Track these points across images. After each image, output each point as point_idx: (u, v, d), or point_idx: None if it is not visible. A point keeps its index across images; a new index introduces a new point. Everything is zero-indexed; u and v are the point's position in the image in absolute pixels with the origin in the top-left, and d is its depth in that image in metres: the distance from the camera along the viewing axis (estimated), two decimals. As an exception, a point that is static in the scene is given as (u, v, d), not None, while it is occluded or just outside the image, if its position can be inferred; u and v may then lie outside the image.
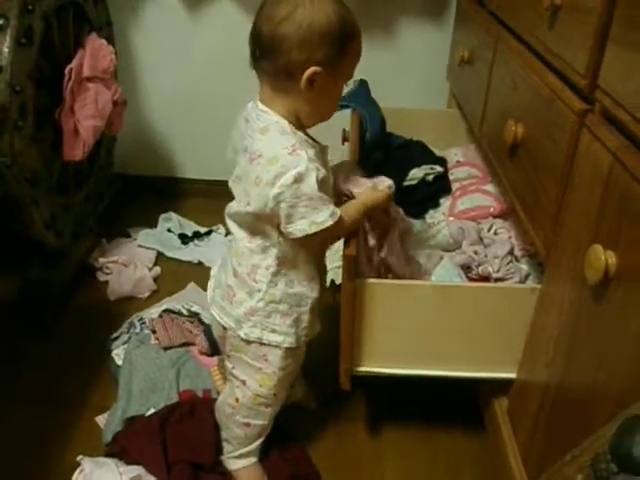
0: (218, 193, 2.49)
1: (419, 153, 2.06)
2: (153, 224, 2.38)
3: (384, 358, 1.42)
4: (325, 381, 1.58)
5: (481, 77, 1.75)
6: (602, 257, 0.93)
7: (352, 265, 1.25)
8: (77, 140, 1.93)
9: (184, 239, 2.31)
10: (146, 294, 2.06)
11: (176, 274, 2.17)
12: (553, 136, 1.20)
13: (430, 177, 1.98)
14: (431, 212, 1.96)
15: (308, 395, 1.66)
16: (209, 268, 2.18)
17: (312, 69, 1.14)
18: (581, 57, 1.11)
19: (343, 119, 2.14)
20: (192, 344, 1.73)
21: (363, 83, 2.20)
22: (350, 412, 1.70)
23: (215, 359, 1.69)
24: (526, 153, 1.34)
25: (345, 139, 2.12)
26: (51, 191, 1.91)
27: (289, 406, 1.54)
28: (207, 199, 2.46)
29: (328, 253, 2.27)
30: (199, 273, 2.12)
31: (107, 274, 2.12)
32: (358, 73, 2.19)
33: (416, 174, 1.97)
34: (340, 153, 1.96)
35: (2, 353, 1.82)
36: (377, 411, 1.71)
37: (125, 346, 1.74)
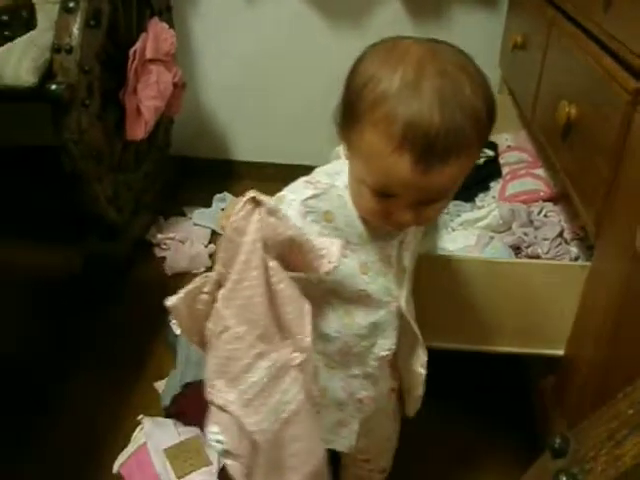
0: (270, 175, 2.58)
1: (470, 137, 2.08)
2: (208, 204, 2.46)
3: (432, 332, 1.46)
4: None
5: (534, 61, 1.78)
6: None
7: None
8: (139, 120, 2.01)
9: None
10: (201, 270, 2.13)
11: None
12: (606, 115, 1.22)
13: (481, 160, 2.01)
14: (481, 195, 1.98)
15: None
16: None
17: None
18: (637, 37, 1.13)
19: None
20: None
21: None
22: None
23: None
24: (578, 133, 1.37)
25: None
26: (113, 169, 1.99)
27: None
28: (259, 181, 2.51)
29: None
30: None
31: (164, 250, 2.20)
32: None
33: (467, 157, 1.99)
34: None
35: (66, 322, 1.91)
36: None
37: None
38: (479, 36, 2.41)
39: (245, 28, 2.48)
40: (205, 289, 0.72)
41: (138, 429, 1.50)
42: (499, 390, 1.73)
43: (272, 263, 0.71)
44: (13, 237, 2.13)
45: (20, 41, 1.66)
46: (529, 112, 1.82)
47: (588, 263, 1.33)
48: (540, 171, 1.96)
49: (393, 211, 0.85)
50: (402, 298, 1.04)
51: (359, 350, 1.03)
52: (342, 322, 0.99)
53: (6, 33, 1.68)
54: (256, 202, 0.70)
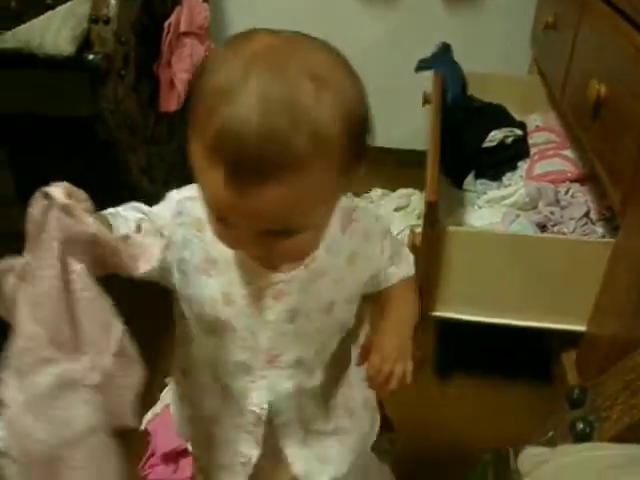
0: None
1: (499, 116, 2.09)
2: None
3: (458, 304, 1.49)
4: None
5: (565, 41, 1.78)
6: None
7: (433, 211, 1.32)
8: (172, 92, 2.05)
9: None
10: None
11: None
12: (636, 94, 1.23)
13: (509, 140, 2.02)
14: (508, 174, 2.00)
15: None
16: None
17: None
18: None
19: (424, 82, 2.19)
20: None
21: (446, 47, 2.25)
22: (418, 358, 1.77)
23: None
24: (608, 113, 1.37)
25: (426, 101, 2.18)
26: (147, 140, 2.03)
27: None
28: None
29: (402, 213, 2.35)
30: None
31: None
32: (442, 37, 2.25)
33: (495, 136, 2.00)
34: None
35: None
36: (445, 358, 1.78)
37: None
38: (511, 16, 2.41)
39: (277, 2, 2.50)
40: (10, 276, 0.62)
41: (165, 390, 1.54)
42: (520, 362, 1.75)
43: (78, 267, 0.62)
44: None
45: (60, 10, 1.71)
46: (559, 92, 1.83)
47: (612, 240, 1.35)
48: (568, 152, 1.97)
49: (239, 241, 0.69)
50: (278, 376, 0.87)
51: (236, 392, 0.89)
52: (212, 352, 0.86)
53: (48, 2, 1.73)
54: (49, 198, 0.60)
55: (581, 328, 1.45)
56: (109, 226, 0.69)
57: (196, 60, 2.07)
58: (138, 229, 0.73)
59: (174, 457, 1.44)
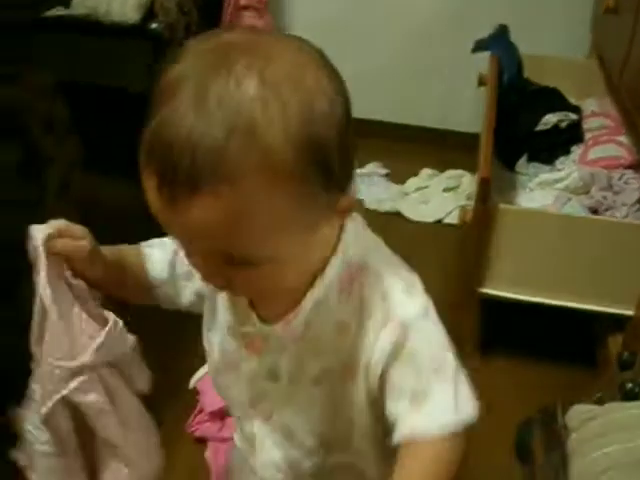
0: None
1: (554, 100, 2.09)
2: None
3: (505, 283, 1.50)
4: (441, 306, 1.67)
5: (626, 25, 1.76)
6: None
7: (485, 188, 1.33)
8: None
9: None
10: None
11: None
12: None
13: (564, 124, 2.01)
14: (561, 159, 1.99)
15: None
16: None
17: None
18: None
19: (479, 63, 2.19)
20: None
21: (503, 28, 2.24)
22: (462, 335, 1.79)
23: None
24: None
25: (481, 82, 2.18)
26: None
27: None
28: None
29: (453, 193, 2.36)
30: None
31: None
32: (500, 19, 2.24)
33: (550, 119, 2.00)
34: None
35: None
36: (488, 335, 1.79)
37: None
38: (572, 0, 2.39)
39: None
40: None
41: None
42: (565, 345, 1.76)
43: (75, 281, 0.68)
44: (99, 173, 2.22)
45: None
46: (617, 77, 1.81)
47: (666, 224, 1.35)
48: (622, 138, 1.95)
49: (199, 268, 0.63)
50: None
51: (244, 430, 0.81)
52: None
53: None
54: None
55: (629, 312, 1.45)
56: (143, 268, 0.76)
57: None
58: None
59: (221, 415, 1.49)
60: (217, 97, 0.52)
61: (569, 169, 1.86)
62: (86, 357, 0.65)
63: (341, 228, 0.66)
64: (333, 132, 0.56)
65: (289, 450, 0.76)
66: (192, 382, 1.56)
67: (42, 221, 0.66)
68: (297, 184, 0.54)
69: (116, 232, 2.17)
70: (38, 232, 0.65)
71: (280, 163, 0.53)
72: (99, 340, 0.66)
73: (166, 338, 1.71)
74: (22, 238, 0.65)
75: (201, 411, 1.52)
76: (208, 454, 1.48)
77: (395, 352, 0.64)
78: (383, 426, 0.68)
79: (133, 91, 2.15)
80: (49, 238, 0.65)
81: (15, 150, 1.48)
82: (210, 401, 1.49)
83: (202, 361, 1.59)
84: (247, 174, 0.52)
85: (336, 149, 0.56)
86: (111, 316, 0.68)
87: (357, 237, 0.67)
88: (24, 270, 0.66)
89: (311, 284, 0.65)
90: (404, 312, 0.64)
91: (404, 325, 0.64)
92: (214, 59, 0.54)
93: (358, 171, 2.42)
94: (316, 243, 0.62)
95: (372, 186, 2.37)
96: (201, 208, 0.52)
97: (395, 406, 0.64)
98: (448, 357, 0.65)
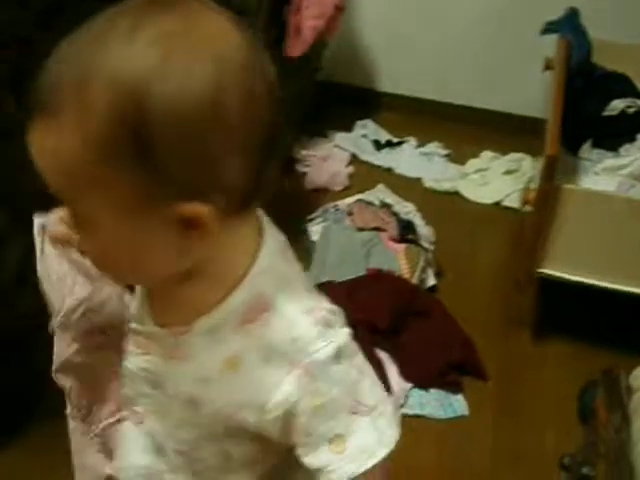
0: (414, 109, 2.65)
1: (622, 85, 2.06)
2: (349, 129, 2.55)
3: (566, 264, 1.51)
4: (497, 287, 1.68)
5: None
6: None
7: (551, 165, 1.34)
8: (298, 38, 2.12)
9: (378, 145, 2.47)
10: (339, 188, 2.25)
11: (367, 175, 2.34)
12: None
13: (631, 110, 1.99)
14: (626, 146, 1.97)
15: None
16: (398, 175, 2.35)
17: None
18: None
19: (545, 48, 2.18)
20: (383, 230, 1.91)
21: (574, 11, 2.22)
22: (517, 316, 1.80)
23: (402, 246, 1.85)
24: None
25: (547, 66, 2.16)
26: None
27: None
28: (403, 114, 2.59)
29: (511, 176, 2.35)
30: (388, 177, 2.29)
31: (306, 166, 2.32)
32: (571, 1, 2.22)
33: (617, 105, 1.98)
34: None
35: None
36: (544, 318, 1.80)
37: (319, 226, 1.95)
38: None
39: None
40: None
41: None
42: (622, 327, 1.75)
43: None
44: None
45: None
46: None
47: None
48: (691, 127, 1.93)
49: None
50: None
51: None
52: None
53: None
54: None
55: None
56: None
57: (325, 8, 2.13)
58: None
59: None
60: (87, 34, 0.52)
61: (634, 156, 1.85)
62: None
63: (253, 255, 0.61)
64: (172, 130, 0.51)
65: (155, 461, 0.74)
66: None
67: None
68: (106, 154, 0.51)
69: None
70: (39, 220, 0.76)
71: (95, 126, 0.50)
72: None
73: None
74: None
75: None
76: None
77: (303, 400, 0.60)
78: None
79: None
80: (49, 225, 0.74)
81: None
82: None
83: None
84: (68, 120, 0.51)
85: (176, 147, 0.51)
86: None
87: (272, 265, 0.62)
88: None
89: (210, 306, 0.61)
90: (313, 358, 0.59)
91: (313, 374, 0.59)
92: (136, 7, 0.53)
93: (418, 150, 2.45)
94: (172, 247, 0.56)
95: (432, 165, 2.39)
96: (34, 136, 0.54)
97: (314, 455, 0.62)
98: (363, 392, 0.62)
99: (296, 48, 2.11)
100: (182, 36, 0.52)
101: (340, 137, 2.50)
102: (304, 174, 2.31)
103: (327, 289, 1.70)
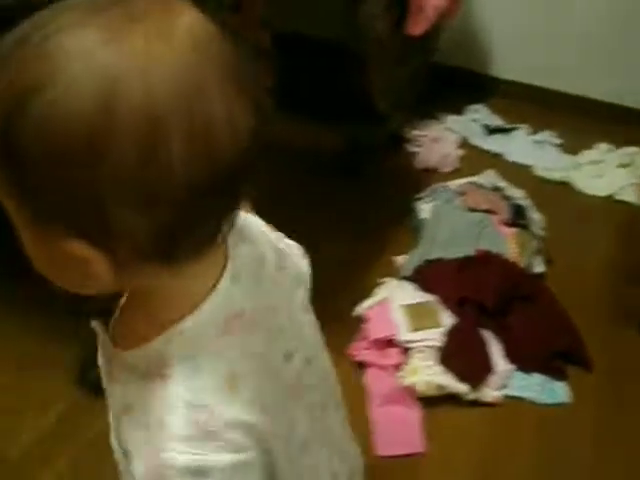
0: (528, 97, 2.61)
1: None
2: (460, 112, 2.54)
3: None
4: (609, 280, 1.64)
5: None
6: None
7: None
8: (421, 17, 2.12)
9: (489, 130, 2.46)
10: (449, 169, 2.26)
11: (477, 159, 2.33)
12: None
13: None
14: None
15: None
16: (508, 161, 2.33)
17: None
18: None
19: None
20: (494, 213, 1.90)
21: None
22: (627, 310, 1.77)
23: (513, 230, 1.84)
24: None
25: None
26: (389, 61, 2.13)
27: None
28: (516, 101, 2.56)
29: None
30: (498, 163, 2.27)
31: (417, 146, 2.33)
32: None
33: None
34: None
35: (321, 193, 2.11)
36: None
37: (428, 205, 1.96)
38: None
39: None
40: None
41: (381, 288, 1.68)
42: None
43: None
44: (291, 112, 2.31)
45: None
46: None
47: None
48: None
49: None
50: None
51: None
52: None
53: None
54: None
55: None
56: None
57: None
58: None
59: (383, 344, 1.57)
60: (41, 34, 0.44)
61: None
62: None
63: (192, 306, 0.54)
64: (40, 154, 0.43)
65: None
66: (358, 309, 1.65)
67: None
68: None
69: (301, 167, 2.18)
70: None
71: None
72: None
73: (337, 269, 1.81)
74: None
75: (364, 338, 1.60)
76: (367, 380, 1.56)
77: None
78: None
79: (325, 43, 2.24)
80: None
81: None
82: (374, 329, 1.58)
83: (367, 292, 1.69)
84: None
85: (46, 174, 0.44)
86: None
87: (199, 330, 0.54)
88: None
89: (139, 343, 0.55)
90: (165, 458, 0.51)
91: (160, 473, 0.52)
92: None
93: (530, 138, 2.41)
94: (77, 273, 0.49)
95: (544, 154, 2.36)
96: None
97: None
98: None
99: (418, 26, 2.12)
100: (99, 46, 0.43)
101: (451, 120, 2.49)
102: (414, 154, 2.32)
103: (437, 265, 1.72)
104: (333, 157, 2.25)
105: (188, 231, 0.48)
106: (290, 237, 0.74)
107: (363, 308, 1.64)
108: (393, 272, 1.80)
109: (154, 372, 0.53)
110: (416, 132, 2.38)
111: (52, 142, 0.42)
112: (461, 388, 1.51)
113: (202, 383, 0.53)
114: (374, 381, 1.54)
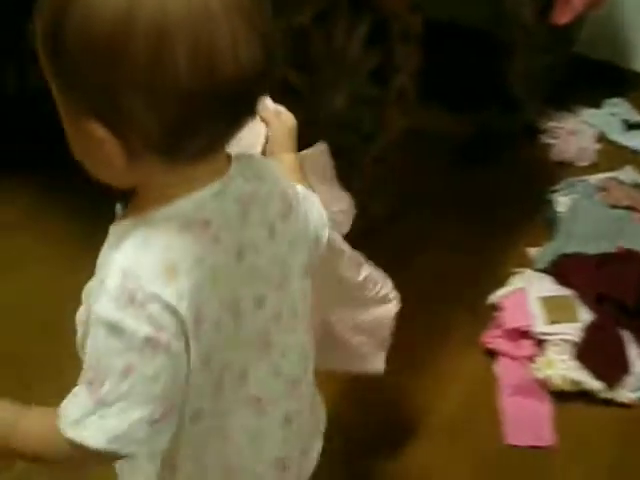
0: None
1: None
2: (598, 106, 2.47)
3: None
4: None
5: None
6: None
7: None
8: (567, 6, 2.07)
9: (628, 125, 2.38)
10: (585, 163, 2.20)
11: (615, 154, 2.26)
12: None
13: None
14: None
15: None
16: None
17: None
18: None
19: None
20: (635, 210, 1.85)
21: None
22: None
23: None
24: None
25: None
26: (532, 49, 2.11)
27: None
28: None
29: None
30: (637, 159, 2.20)
31: (552, 138, 2.29)
32: None
33: None
34: None
35: (448, 181, 2.10)
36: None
37: (566, 198, 1.93)
38: None
39: None
40: None
41: (516, 277, 1.67)
42: None
43: None
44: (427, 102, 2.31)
45: None
46: None
47: None
48: None
49: None
50: None
51: None
52: None
53: None
54: None
55: None
56: None
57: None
58: None
59: (517, 334, 1.56)
60: None
61: None
62: None
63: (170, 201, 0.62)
64: (79, 40, 0.54)
65: None
66: (492, 298, 1.65)
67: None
68: (43, 45, 0.57)
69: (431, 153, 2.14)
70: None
71: (41, 19, 0.57)
72: None
73: (468, 257, 1.81)
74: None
75: (498, 327, 1.59)
76: (498, 368, 1.56)
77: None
78: None
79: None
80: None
81: (375, 54, 1.64)
82: (510, 318, 1.57)
83: (499, 281, 1.68)
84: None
85: (79, 58, 0.54)
86: None
87: (162, 224, 0.61)
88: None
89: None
90: (95, 308, 0.60)
91: (91, 319, 0.61)
92: None
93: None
94: (97, 156, 0.59)
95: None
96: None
97: None
98: (109, 382, 0.59)
99: (564, 16, 2.07)
100: None
101: (588, 113, 2.42)
102: (550, 145, 2.27)
103: (575, 260, 1.69)
104: (463, 145, 2.24)
105: (189, 133, 0.57)
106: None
107: (497, 297, 1.64)
108: (526, 263, 1.78)
109: (116, 244, 0.62)
110: (552, 124, 2.33)
111: (86, 38, 0.53)
112: (596, 386, 1.49)
113: (143, 259, 0.60)
114: (506, 371, 1.54)
